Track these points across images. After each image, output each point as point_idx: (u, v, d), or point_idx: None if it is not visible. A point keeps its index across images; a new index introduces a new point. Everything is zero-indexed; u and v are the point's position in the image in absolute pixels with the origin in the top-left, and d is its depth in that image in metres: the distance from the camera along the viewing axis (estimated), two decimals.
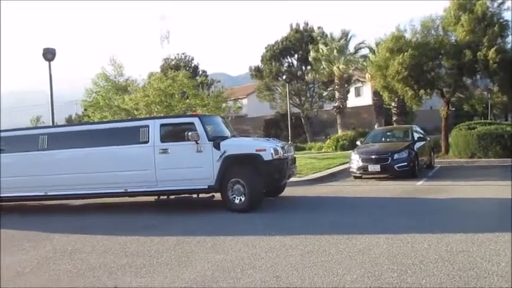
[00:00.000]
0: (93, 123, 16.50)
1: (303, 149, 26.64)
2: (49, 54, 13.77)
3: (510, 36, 16.68)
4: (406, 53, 16.14)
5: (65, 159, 9.51)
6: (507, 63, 15.64)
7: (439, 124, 20.91)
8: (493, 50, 15.29)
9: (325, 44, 28.80)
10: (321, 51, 28.60)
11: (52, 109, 14.24)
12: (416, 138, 14.05)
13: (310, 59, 29.75)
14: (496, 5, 16.64)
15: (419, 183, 11.71)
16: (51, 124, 13.85)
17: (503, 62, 15.52)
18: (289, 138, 23.26)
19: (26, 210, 10.62)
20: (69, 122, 42.57)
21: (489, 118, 28.43)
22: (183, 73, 22.81)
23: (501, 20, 16.52)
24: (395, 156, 12.50)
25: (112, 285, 4.71)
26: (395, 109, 25.08)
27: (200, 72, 37.82)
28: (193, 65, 39.38)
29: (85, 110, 27.01)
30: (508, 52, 16.06)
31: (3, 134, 10.41)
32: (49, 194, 9.62)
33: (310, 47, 30.14)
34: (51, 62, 13.89)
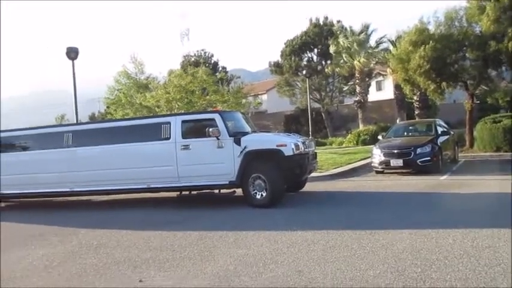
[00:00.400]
0: (116, 120, 16.74)
1: (324, 144, 26.49)
2: (72, 53, 14.05)
3: None
4: (427, 46, 15.83)
5: (89, 156, 9.72)
6: None
7: (462, 118, 20.45)
8: None
9: (346, 37, 28.49)
10: (342, 43, 28.31)
11: (76, 107, 14.55)
12: (439, 132, 13.78)
13: (331, 51, 29.48)
14: None
15: (443, 177, 11.51)
16: (75, 122, 14.16)
17: None
18: (310, 133, 23.16)
19: (53, 206, 10.90)
20: (92, 119, 43.32)
21: None
22: (202, 70, 22.92)
23: None
24: (418, 150, 12.30)
25: (136, 278, 4.80)
26: (417, 103, 24.60)
27: (220, 69, 37.90)
28: (212, 61, 39.51)
29: (108, 107, 27.55)
30: None
31: (28, 132, 10.69)
32: (74, 190, 9.85)
33: (330, 41, 29.87)
34: (75, 61, 14.17)
